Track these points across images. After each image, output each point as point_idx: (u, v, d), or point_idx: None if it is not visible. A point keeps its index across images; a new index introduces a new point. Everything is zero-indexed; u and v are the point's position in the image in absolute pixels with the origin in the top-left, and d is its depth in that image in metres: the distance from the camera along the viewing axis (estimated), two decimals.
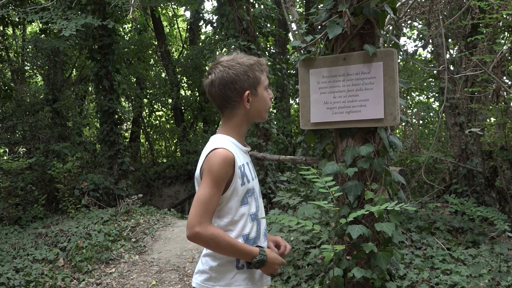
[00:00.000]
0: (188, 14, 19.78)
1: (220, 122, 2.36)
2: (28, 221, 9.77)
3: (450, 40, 8.89)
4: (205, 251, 2.27)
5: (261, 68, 2.31)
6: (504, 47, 5.61)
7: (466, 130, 7.75)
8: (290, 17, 6.09)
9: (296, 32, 5.69)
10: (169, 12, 20.64)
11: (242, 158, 2.25)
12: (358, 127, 3.82)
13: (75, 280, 6.84)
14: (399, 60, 6.42)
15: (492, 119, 8.28)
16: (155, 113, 20.61)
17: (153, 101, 19.07)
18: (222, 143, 2.19)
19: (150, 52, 19.19)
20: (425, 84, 13.80)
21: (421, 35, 10.73)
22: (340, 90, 3.84)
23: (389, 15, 3.81)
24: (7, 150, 13.23)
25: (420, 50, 14.57)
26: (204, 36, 19.19)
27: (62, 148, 11.28)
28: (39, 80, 16.84)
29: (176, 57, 20.18)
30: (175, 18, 21.18)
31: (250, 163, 2.34)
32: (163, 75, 19.44)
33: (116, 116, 11.73)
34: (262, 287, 2.33)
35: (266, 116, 2.39)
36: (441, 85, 8.00)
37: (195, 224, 2.07)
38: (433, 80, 12.59)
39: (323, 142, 4.24)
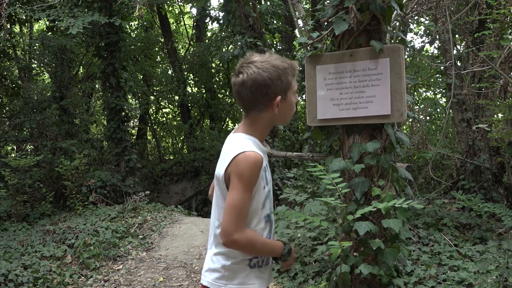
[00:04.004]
0: (194, 11, 19.80)
1: (242, 121, 2.27)
2: (36, 218, 9.82)
3: (457, 35, 8.85)
4: (216, 249, 2.25)
5: (294, 72, 2.22)
6: None
7: (473, 126, 7.72)
8: (297, 14, 6.08)
9: (303, 28, 5.69)
10: (176, 9, 20.66)
11: (264, 160, 2.20)
12: (365, 123, 3.82)
13: (82, 277, 6.87)
14: (406, 56, 6.40)
15: (500, 115, 8.24)
16: (162, 110, 20.67)
17: (160, 98, 19.11)
18: (251, 146, 2.13)
19: (156, 49, 19.24)
20: (432, 80, 13.76)
21: (428, 31, 10.69)
22: (346, 87, 3.83)
23: (395, 11, 3.80)
24: (14, 147, 13.29)
25: (427, 46, 14.56)
26: (210, 33, 19.23)
27: (69, 146, 11.32)
28: (46, 77, 16.91)
29: (183, 54, 20.20)
30: (181, 15, 21.20)
31: (267, 165, 2.29)
32: (169, 72, 19.47)
33: (123, 113, 11.76)
34: (269, 284, 2.34)
35: (289, 120, 2.32)
36: (448, 81, 7.96)
37: (232, 232, 2.06)
38: (440, 76, 12.55)
39: (329, 139, 4.23)
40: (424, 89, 15.43)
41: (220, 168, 2.16)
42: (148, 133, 19.82)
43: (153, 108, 19.76)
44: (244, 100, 2.18)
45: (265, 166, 2.19)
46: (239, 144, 2.14)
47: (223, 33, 14.08)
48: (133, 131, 18.35)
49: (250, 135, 2.20)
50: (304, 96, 15.40)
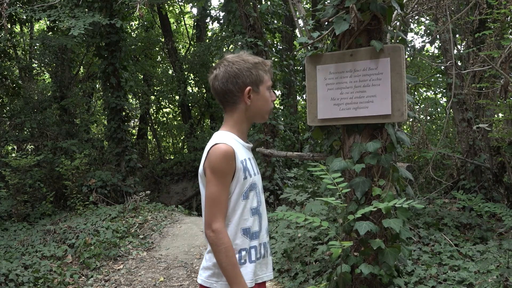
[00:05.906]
0: (195, 11, 19.80)
1: (223, 120, 2.37)
2: (37, 218, 9.83)
3: (457, 35, 8.84)
4: (208, 248, 2.28)
5: (265, 68, 2.34)
6: None
7: (474, 125, 7.72)
8: (297, 13, 6.08)
9: (303, 28, 5.68)
10: (176, 9, 20.65)
11: (244, 153, 2.27)
12: (365, 123, 3.82)
13: (83, 277, 6.88)
14: (406, 56, 6.40)
15: (500, 114, 8.23)
16: (162, 110, 20.67)
17: (160, 98, 19.11)
18: (222, 139, 2.22)
19: (157, 49, 19.23)
20: (432, 79, 13.75)
21: (428, 31, 10.69)
22: (347, 86, 3.84)
23: (396, 10, 3.80)
24: (15, 147, 13.30)
25: (428, 45, 14.55)
26: (211, 32, 19.23)
27: (70, 145, 11.32)
28: (46, 77, 16.92)
29: (183, 54, 20.19)
30: (182, 15, 21.19)
31: (252, 159, 2.36)
32: (170, 72, 19.47)
33: (124, 113, 11.76)
34: (264, 280, 2.34)
35: (266, 117, 2.41)
36: (448, 81, 7.96)
37: (212, 221, 2.14)
38: (440, 75, 12.53)
39: (330, 139, 4.23)
40: (424, 89, 15.43)
41: (200, 166, 2.27)
42: (148, 133, 19.82)
43: (154, 108, 19.76)
44: (218, 93, 2.31)
45: (245, 159, 2.26)
46: (213, 140, 2.24)
47: (224, 33, 14.06)
48: (134, 131, 18.35)
49: (228, 131, 2.31)
50: (304, 96, 15.40)
